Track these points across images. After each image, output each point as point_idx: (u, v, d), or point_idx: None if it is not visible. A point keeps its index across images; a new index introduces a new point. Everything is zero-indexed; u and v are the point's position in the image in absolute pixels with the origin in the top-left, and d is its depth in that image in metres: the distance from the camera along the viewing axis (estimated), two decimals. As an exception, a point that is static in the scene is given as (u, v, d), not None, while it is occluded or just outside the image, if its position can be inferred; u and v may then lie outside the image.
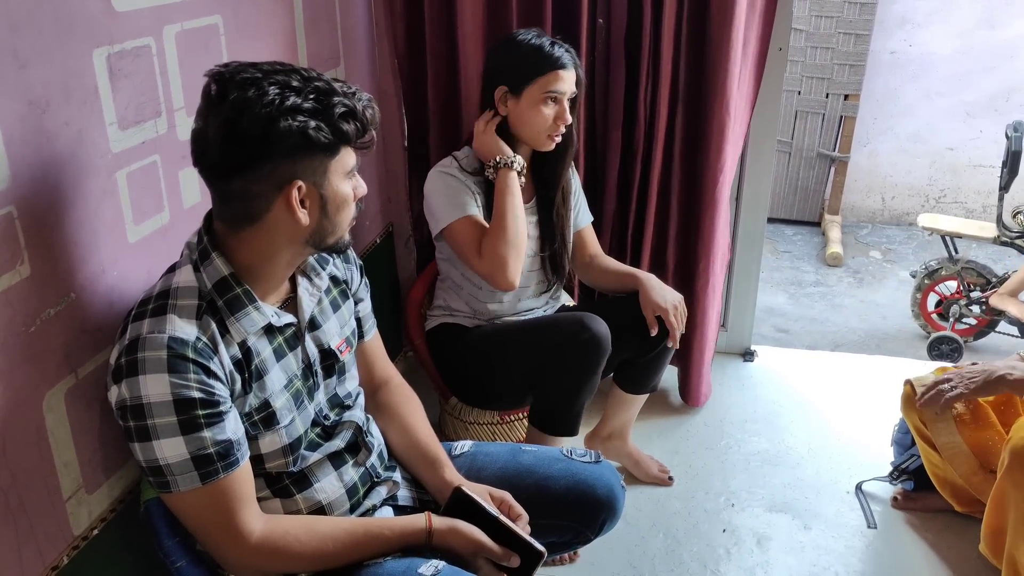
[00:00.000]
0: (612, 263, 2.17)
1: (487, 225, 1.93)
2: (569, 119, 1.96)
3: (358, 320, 1.49)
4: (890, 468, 2.26)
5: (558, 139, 1.97)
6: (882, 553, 2.10)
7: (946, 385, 1.83)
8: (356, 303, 1.48)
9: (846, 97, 4.79)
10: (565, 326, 1.91)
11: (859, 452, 2.44)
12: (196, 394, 1.13)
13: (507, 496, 1.43)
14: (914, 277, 3.83)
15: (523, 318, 2.10)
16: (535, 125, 1.94)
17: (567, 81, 1.92)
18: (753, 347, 2.97)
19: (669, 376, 2.62)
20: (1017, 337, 3.64)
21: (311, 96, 1.14)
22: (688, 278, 2.49)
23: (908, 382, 2.03)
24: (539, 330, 1.99)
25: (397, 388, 1.58)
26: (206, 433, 1.14)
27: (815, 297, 4.22)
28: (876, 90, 4.91)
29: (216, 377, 1.16)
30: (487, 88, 1.98)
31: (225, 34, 1.58)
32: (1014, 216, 3.71)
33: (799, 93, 4.81)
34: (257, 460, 1.26)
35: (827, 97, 4.81)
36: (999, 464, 1.72)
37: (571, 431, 2.00)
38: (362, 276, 1.50)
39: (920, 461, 2.12)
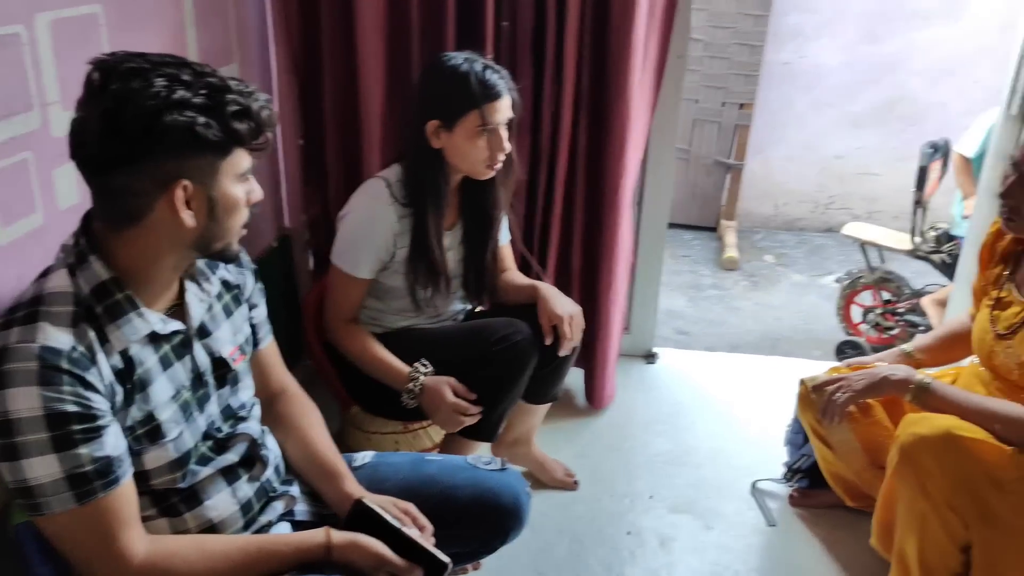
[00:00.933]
0: (518, 277, 2.15)
1: (363, 288, 1.93)
2: (507, 147, 1.87)
3: (252, 327, 1.42)
4: (784, 468, 2.32)
5: (498, 167, 1.90)
6: (780, 550, 2.15)
7: (838, 394, 1.89)
8: (250, 309, 1.41)
9: (741, 106, 4.94)
10: (496, 330, 1.89)
11: (757, 451, 2.50)
12: (71, 408, 1.04)
13: (411, 507, 1.39)
14: (839, 283, 3.95)
15: (440, 325, 2.08)
16: (472, 157, 1.85)
17: (503, 110, 1.83)
18: (655, 349, 3.01)
19: (575, 379, 2.63)
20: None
21: (202, 91, 1.08)
22: (592, 282, 2.51)
23: (802, 381, 2.09)
24: (465, 335, 1.97)
25: (294, 398, 1.52)
26: (83, 450, 1.06)
27: (713, 300, 4.32)
28: (769, 100, 5.08)
29: (94, 389, 1.08)
30: (417, 121, 1.85)
31: (106, 24, 1.49)
32: (928, 231, 3.87)
33: (697, 101, 4.93)
34: (142, 477, 1.18)
35: (723, 106, 4.94)
36: (888, 460, 1.78)
37: (492, 436, 1.99)
38: (256, 281, 1.43)
39: (813, 459, 2.18)
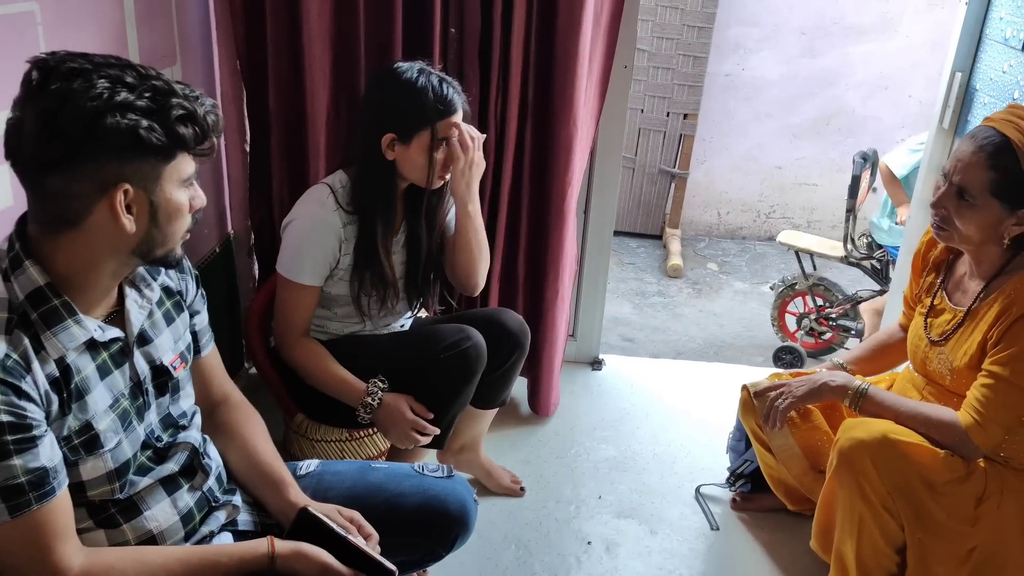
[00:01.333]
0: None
1: (313, 297, 1.91)
2: (461, 160, 1.88)
3: (194, 334, 1.40)
4: (727, 474, 2.36)
5: (447, 177, 1.91)
6: (723, 554, 2.18)
7: (779, 400, 1.93)
8: (191, 316, 1.38)
9: (685, 116, 5.02)
10: (445, 336, 1.89)
11: (701, 456, 2.53)
12: (4, 418, 1.01)
13: (356, 515, 1.38)
14: (773, 290, 4.04)
15: (389, 331, 2.07)
16: (425, 169, 1.85)
17: (457, 123, 1.85)
18: (601, 356, 3.03)
19: (519, 388, 2.63)
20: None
21: (146, 94, 1.05)
22: (538, 290, 2.52)
23: (745, 387, 2.13)
24: (415, 341, 1.96)
25: (237, 406, 1.49)
26: (16, 461, 1.02)
27: (658, 307, 4.37)
28: (713, 110, 5.17)
29: (28, 398, 1.04)
30: (370, 133, 1.84)
31: (43, 23, 1.45)
32: (859, 238, 3.99)
33: (642, 111, 5.00)
34: (78, 488, 1.15)
35: (668, 116, 5.02)
36: (828, 465, 1.82)
37: (440, 443, 1.99)
38: (198, 287, 1.40)
39: (755, 465, 2.22)
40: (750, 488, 2.31)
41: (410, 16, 2.20)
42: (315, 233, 1.86)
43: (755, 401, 2.06)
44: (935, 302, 1.88)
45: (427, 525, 1.48)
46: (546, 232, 2.44)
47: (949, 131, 2.51)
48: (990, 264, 1.74)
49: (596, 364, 3.02)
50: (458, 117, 1.84)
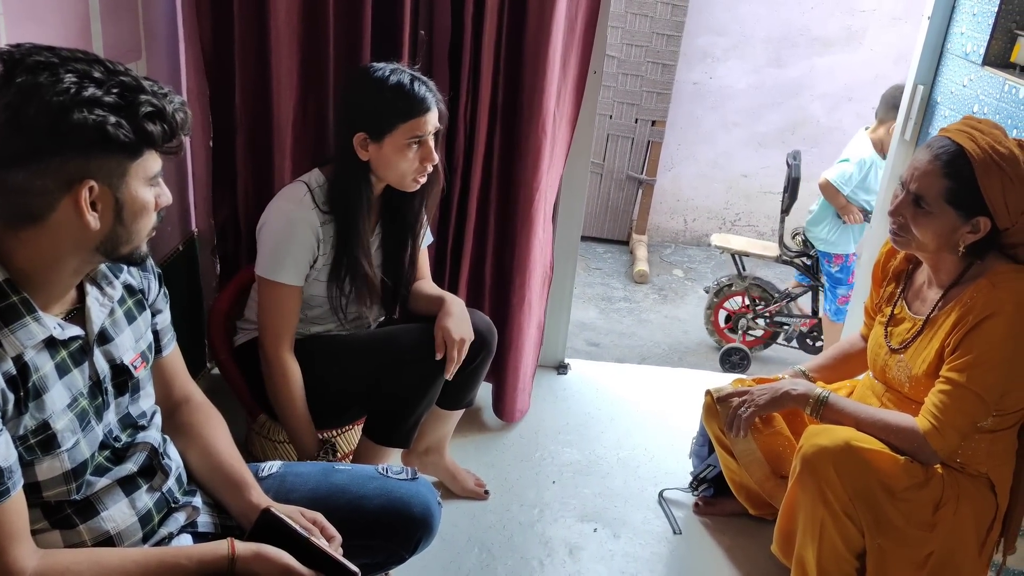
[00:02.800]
0: (429, 287, 2.14)
1: (296, 298, 1.89)
2: (435, 159, 1.86)
3: (155, 333, 1.38)
4: (690, 478, 2.37)
5: (423, 179, 1.89)
6: (685, 558, 2.20)
7: (742, 408, 1.96)
8: (153, 315, 1.36)
9: (653, 123, 5.06)
10: (412, 335, 1.89)
11: (664, 460, 2.55)
12: None
13: (319, 517, 1.36)
14: (707, 293, 4.11)
15: (356, 331, 2.06)
16: (400, 169, 1.84)
17: (431, 122, 1.83)
18: (567, 360, 3.04)
19: (484, 393, 2.63)
20: (795, 348, 4.02)
21: (114, 90, 1.04)
22: (504, 295, 2.51)
23: (708, 392, 2.15)
24: (381, 341, 1.96)
25: (198, 407, 1.47)
26: None
27: (623, 312, 4.40)
28: (680, 118, 5.21)
29: None
30: (343, 132, 1.83)
31: (5, 15, 1.42)
32: (793, 237, 4.08)
33: (611, 117, 5.02)
34: (33, 488, 1.13)
35: (636, 122, 5.05)
36: (790, 471, 1.84)
37: (406, 442, 1.98)
38: (161, 286, 1.38)
39: (718, 470, 2.24)
40: (713, 492, 2.33)
41: (379, 17, 2.19)
42: (294, 231, 1.84)
43: (718, 407, 2.08)
44: (895, 311, 1.91)
45: (390, 527, 1.47)
46: (513, 237, 2.44)
47: (911, 143, 2.56)
48: (947, 273, 1.78)
49: (562, 368, 3.02)
50: (432, 116, 1.83)
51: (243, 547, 1.23)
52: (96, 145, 1.04)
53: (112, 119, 1.03)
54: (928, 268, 1.85)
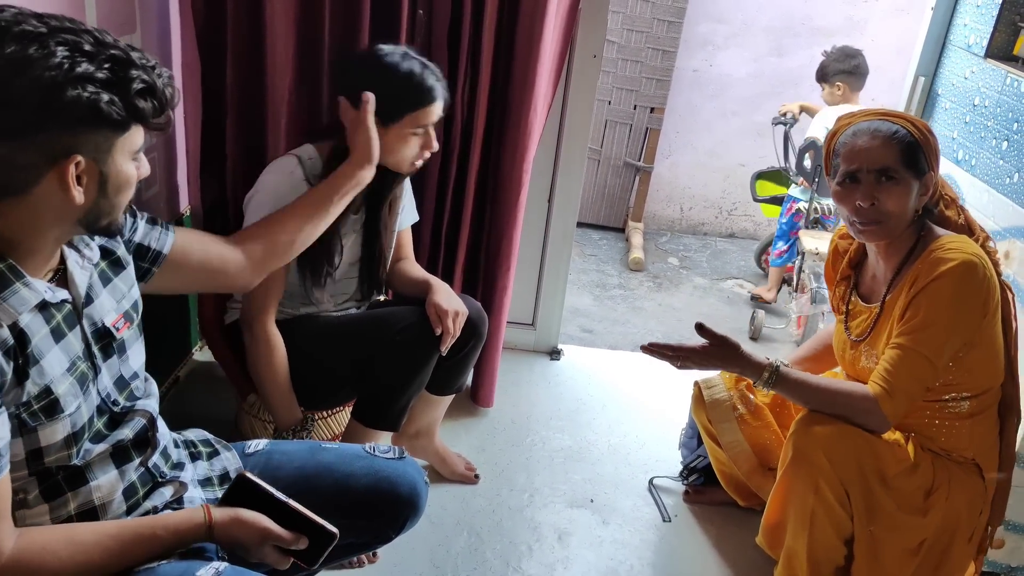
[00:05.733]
0: (414, 269, 2.13)
1: (282, 268, 1.83)
2: (436, 146, 1.86)
3: (147, 251, 1.36)
4: (681, 467, 2.37)
5: (420, 164, 1.89)
6: (673, 545, 2.20)
7: (682, 358, 1.88)
8: (140, 234, 1.35)
9: (652, 110, 5.03)
10: (402, 318, 1.89)
11: (655, 448, 2.55)
12: None
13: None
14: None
15: (345, 313, 2.04)
16: (400, 155, 1.83)
17: (437, 112, 1.82)
18: (560, 346, 3.03)
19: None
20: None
21: (106, 65, 1.02)
22: (490, 279, 2.50)
23: (697, 383, 2.14)
24: (371, 323, 1.95)
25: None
26: None
27: (618, 299, 4.39)
28: (679, 105, 5.18)
29: None
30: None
31: (-6, -18, 1.39)
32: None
33: (609, 103, 4.99)
34: (35, 455, 1.12)
35: (635, 109, 5.02)
36: (780, 460, 1.84)
37: (395, 426, 1.99)
38: (135, 219, 1.35)
39: (708, 460, 2.24)
40: (703, 481, 2.33)
41: (378, -2, 2.16)
42: (282, 203, 1.81)
43: (704, 396, 2.08)
44: (850, 308, 1.91)
45: (377, 506, 1.47)
46: (501, 223, 2.42)
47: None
48: (900, 248, 1.77)
49: (555, 354, 3.01)
50: (439, 106, 1.82)
51: (220, 512, 1.23)
52: (86, 122, 1.02)
53: (105, 96, 1.02)
54: (879, 256, 1.83)
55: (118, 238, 1.31)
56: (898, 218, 1.72)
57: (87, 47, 1.01)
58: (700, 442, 2.26)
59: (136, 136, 1.10)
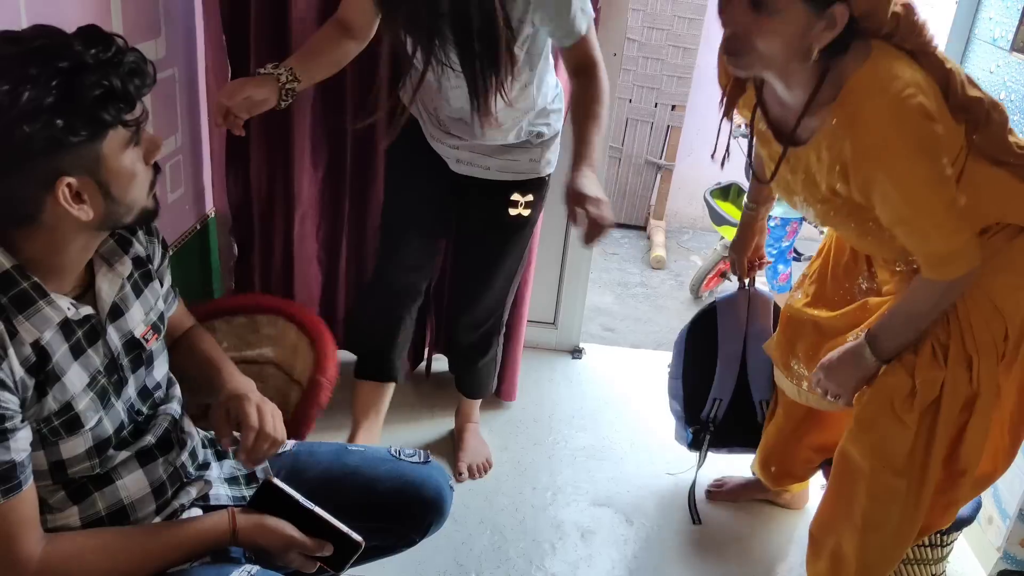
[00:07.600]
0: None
1: None
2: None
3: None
4: (687, 436, 2.26)
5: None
6: (699, 543, 2.19)
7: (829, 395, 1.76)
8: (161, 283, 1.36)
9: (673, 108, 5.01)
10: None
11: (678, 446, 2.52)
12: None
13: None
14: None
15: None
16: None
17: None
18: (582, 345, 3.03)
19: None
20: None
21: (53, 85, 0.97)
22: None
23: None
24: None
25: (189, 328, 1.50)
26: None
27: (640, 298, 4.38)
28: (701, 103, 5.15)
29: (4, 387, 1.03)
30: None
31: (23, -9, 1.42)
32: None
33: (630, 101, 4.98)
34: (58, 466, 1.14)
35: (656, 106, 5.00)
36: (845, 433, 1.73)
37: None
38: (165, 252, 1.37)
39: (726, 404, 2.17)
40: (712, 441, 2.22)
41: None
42: None
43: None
44: (758, 127, 1.75)
45: (402, 510, 1.47)
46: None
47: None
48: (800, 87, 1.50)
49: (576, 353, 3.01)
50: None
51: (244, 519, 1.24)
52: (52, 148, 0.99)
53: (59, 122, 0.97)
54: (779, 85, 1.55)
55: (154, 251, 1.32)
56: (768, 61, 1.44)
57: (32, 70, 0.97)
58: (691, 380, 2.23)
59: (117, 134, 1.06)
